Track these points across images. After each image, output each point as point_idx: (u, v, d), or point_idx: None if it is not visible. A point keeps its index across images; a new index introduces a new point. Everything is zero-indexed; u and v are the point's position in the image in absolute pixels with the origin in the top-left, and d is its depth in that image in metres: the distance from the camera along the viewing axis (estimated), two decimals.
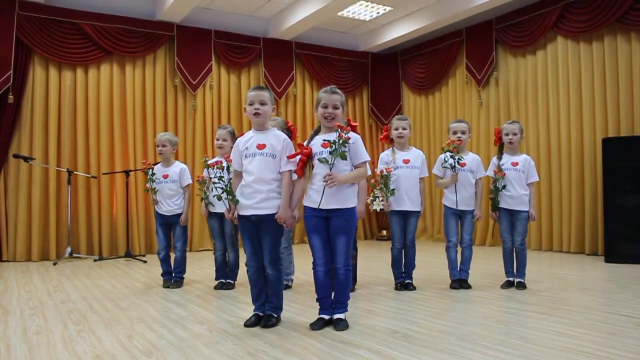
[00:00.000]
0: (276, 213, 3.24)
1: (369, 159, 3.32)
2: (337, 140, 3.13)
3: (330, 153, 3.15)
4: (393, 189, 4.35)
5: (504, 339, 2.93)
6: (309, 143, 3.33)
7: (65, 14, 7.15)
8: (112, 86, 7.53)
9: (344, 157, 3.16)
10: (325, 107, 3.29)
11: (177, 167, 4.90)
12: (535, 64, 7.56)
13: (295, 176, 3.30)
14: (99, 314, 3.73)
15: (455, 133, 4.55)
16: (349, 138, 3.15)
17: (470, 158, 4.57)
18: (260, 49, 8.59)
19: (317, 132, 3.38)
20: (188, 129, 8.06)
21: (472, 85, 8.47)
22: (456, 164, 4.37)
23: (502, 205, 4.52)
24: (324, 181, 3.12)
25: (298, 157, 3.25)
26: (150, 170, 4.80)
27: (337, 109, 3.29)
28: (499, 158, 4.59)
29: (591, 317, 3.43)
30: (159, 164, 4.93)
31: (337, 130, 3.15)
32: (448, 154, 4.39)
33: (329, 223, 3.23)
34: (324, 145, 3.20)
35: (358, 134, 3.39)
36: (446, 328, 3.20)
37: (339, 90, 3.36)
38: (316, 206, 3.20)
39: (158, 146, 4.88)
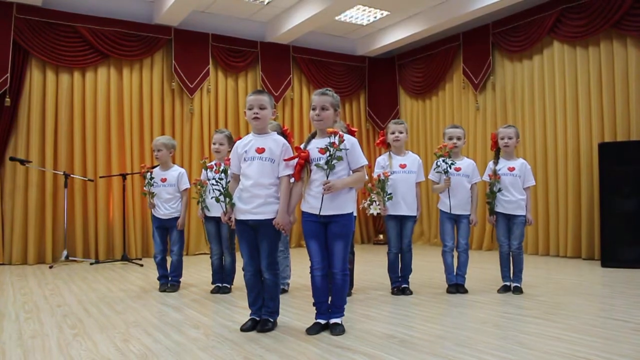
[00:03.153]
0: (274, 218, 3.23)
1: (367, 163, 3.32)
2: (331, 149, 3.11)
3: (326, 163, 3.14)
4: (390, 194, 4.35)
5: (501, 343, 2.93)
6: (305, 147, 3.31)
7: (62, 17, 7.14)
8: (110, 89, 7.53)
9: (339, 158, 3.15)
10: (314, 109, 3.30)
11: (176, 171, 4.90)
12: (532, 69, 7.59)
13: (292, 180, 3.30)
14: (94, 318, 3.72)
15: (451, 139, 4.56)
16: (343, 140, 3.15)
17: (465, 163, 4.59)
18: (258, 52, 8.60)
19: (313, 136, 3.38)
20: (185, 133, 8.05)
21: (469, 90, 8.49)
22: (449, 168, 4.37)
23: (499, 209, 4.53)
24: (322, 189, 3.12)
25: (295, 160, 3.24)
26: (149, 174, 4.79)
27: (325, 110, 3.27)
28: (495, 163, 4.60)
29: (588, 321, 3.43)
30: (157, 167, 4.93)
31: (330, 137, 3.14)
32: (441, 158, 4.40)
33: (327, 228, 3.23)
34: (320, 152, 3.19)
35: (355, 138, 3.38)
36: (443, 333, 3.20)
37: (330, 92, 3.33)
38: (316, 212, 3.19)
39: (154, 151, 4.88)
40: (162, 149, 4.84)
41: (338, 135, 3.12)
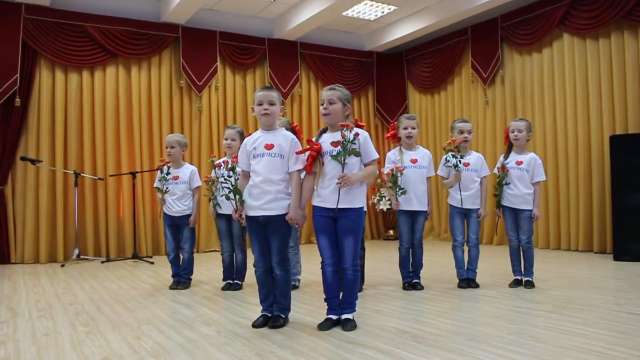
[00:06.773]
0: (284, 214, 3.23)
1: (378, 156, 3.30)
2: (345, 141, 3.11)
3: (337, 155, 3.12)
4: (403, 189, 4.33)
5: (514, 338, 2.92)
6: (317, 141, 3.31)
7: (70, 16, 7.17)
8: (118, 88, 7.56)
9: (357, 154, 3.14)
10: (322, 104, 3.29)
11: (188, 169, 4.91)
12: (541, 62, 7.53)
13: (303, 174, 3.29)
14: (106, 315, 3.74)
15: (461, 132, 4.53)
16: (358, 134, 3.14)
17: (474, 157, 4.57)
18: (265, 49, 8.59)
19: (325, 131, 3.36)
20: (194, 130, 8.07)
21: (478, 84, 8.44)
22: (459, 162, 4.35)
23: (506, 203, 4.51)
24: (337, 183, 3.11)
25: (306, 154, 3.23)
26: (166, 168, 4.79)
27: (333, 103, 3.27)
28: (506, 157, 4.58)
29: (601, 315, 3.40)
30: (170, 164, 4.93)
31: (341, 130, 3.13)
32: (450, 153, 4.37)
33: (337, 223, 3.22)
34: (333, 145, 3.18)
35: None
36: (455, 328, 3.19)
37: (337, 87, 3.33)
38: (332, 206, 3.17)
39: (167, 147, 4.88)
40: (175, 146, 4.86)
41: (348, 128, 3.10)
